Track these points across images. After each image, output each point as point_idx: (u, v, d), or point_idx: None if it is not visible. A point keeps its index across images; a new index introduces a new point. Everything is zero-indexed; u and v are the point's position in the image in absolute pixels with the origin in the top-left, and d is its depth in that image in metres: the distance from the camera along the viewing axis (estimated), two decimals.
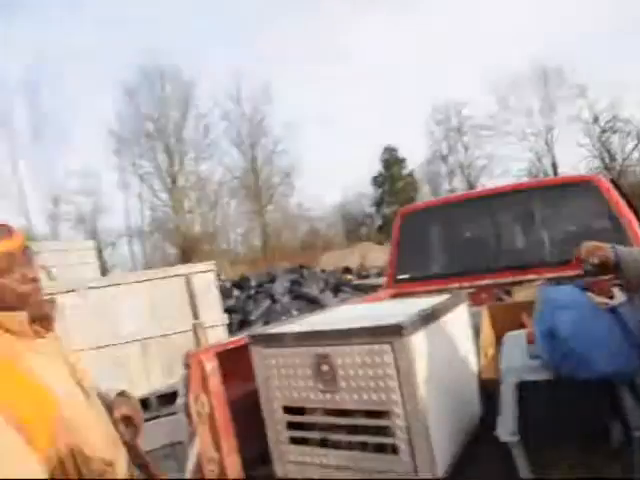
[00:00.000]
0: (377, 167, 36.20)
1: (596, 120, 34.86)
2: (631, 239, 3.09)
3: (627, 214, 3.23)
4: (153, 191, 31.92)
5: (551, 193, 3.67)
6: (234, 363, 2.32)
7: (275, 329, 2.34)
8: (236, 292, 13.32)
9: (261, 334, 2.28)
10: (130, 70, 44.15)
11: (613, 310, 2.00)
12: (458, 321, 2.43)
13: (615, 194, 3.33)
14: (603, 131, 34.96)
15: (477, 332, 2.69)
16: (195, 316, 4.18)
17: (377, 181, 36.40)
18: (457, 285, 3.46)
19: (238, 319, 9.90)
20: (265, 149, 34.17)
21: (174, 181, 31.60)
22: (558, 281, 3.02)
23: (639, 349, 1.93)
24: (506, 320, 2.73)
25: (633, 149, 34.08)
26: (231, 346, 2.41)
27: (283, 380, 2.08)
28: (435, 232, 4.13)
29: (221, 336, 4.26)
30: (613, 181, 3.63)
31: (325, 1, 50.84)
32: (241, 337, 2.50)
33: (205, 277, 4.29)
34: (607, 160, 34.89)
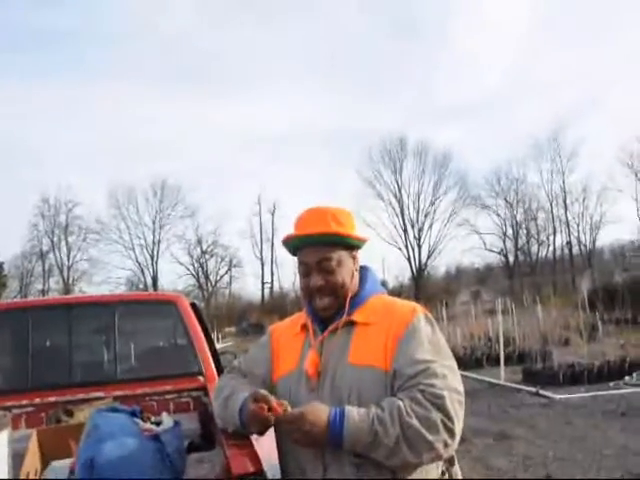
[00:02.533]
0: None
1: (199, 242, 39.56)
2: (200, 359, 3.35)
3: (199, 335, 3.48)
4: None
5: (135, 308, 3.75)
6: None
7: None
8: None
9: None
10: None
11: (157, 437, 2.08)
12: None
13: (192, 315, 3.57)
14: (203, 252, 39.78)
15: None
16: None
17: None
18: (11, 404, 3.02)
19: None
20: None
21: None
22: (124, 400, 3.00)
23: (176, 475, 2.03)
24: (59, 446, 2.47)
25: (225, 273, 39.68)
26: None
27: None
28: (4, 340, 3.61)
29: None
30: (193, 304, 3.95)
31: None
32: None
33: None
34: (203, 280, 39.53)
